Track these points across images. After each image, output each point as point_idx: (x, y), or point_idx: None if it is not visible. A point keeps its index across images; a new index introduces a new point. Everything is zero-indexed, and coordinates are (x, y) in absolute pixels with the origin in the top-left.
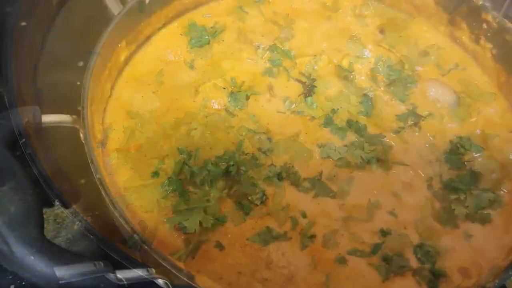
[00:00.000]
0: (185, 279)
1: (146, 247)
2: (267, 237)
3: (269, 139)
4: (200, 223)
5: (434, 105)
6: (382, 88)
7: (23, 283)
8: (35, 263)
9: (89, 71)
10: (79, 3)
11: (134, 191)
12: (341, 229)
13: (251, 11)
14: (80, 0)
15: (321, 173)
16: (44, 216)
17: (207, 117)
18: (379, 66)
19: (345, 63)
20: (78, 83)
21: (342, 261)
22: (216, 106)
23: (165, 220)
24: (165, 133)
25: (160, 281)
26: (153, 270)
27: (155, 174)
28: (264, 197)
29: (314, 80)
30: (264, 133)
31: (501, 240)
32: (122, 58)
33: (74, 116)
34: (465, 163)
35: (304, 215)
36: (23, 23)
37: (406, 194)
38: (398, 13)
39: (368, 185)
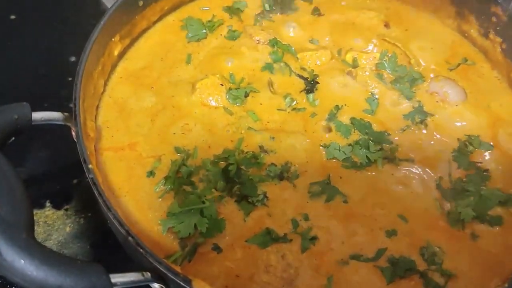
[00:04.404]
0: (181, 283)
1: (140, 250)
2: (267, 239)
3: (270, 137)
4: (196, 226)
5: (441, 102)
6: (387, 85)
7: (13, 287)
8: (25, 267)
9: (81, 66)
10: None
11: (128, 192)
12: (344, 231)
13: (250, 3)
14: None
15: (329, 176)
16: (35, 218)
17: (204, 115)
18: (384, 62)
19: (348, 58)
20: (70, 79)
21: (344, 263)
22: (213, 104)
23: (159, 222)
24: (161, 131)
25: (156, 286)
26: (149, 274)
27: (151, 173)
28: (266, 199)
29: (316, 76)
30: (264, 131)
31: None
32: (115, 52)
33: (66, 114)
34: (475, 162)
35: (305, 217)
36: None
37: (414, 194)
38: (403, 6)
39: (374, 185)
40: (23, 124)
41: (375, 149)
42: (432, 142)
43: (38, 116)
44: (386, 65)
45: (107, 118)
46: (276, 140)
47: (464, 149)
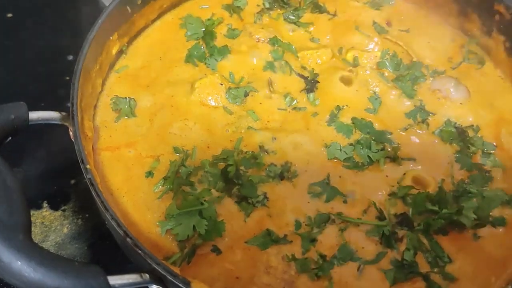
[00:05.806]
0: (180, 285)
1: (139, 251)
2: (267, 240)
3: (270, 137)
4: (195, 228)
5: (443, 99)
6: (389, 83)
7: None
8: (22, 268)
9: (79, 65)
10: None
11: (127, 192)
12: (345, 232)
13: (250, 1)
14: None
15: (328, 176)
16: (32, 219)
17: (203, 115)
18: (385, 60)
19: (349, 57)
20: (67, 78)
21: (345, 264)
22: (213, 103)
23: (157, 223)
24: (160, 131)
25: (154, 287)
26: (147, 276)
27: (149, 174)
28: (266, 200)
29: (317, 75)
30: (264, 130)
31: None
32: (114, 51)
33: (63, 113)
34: (478, 163)
35: (306, 218)
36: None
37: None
38: (405, 4)
39: (376, 186)
40: (20, 124)
41: (377, 149)
42: (433, 143)
43: (35, 115)
44: (387, 63)
45: (105, 118)
46: (276, 140)
47: (467, 150)
